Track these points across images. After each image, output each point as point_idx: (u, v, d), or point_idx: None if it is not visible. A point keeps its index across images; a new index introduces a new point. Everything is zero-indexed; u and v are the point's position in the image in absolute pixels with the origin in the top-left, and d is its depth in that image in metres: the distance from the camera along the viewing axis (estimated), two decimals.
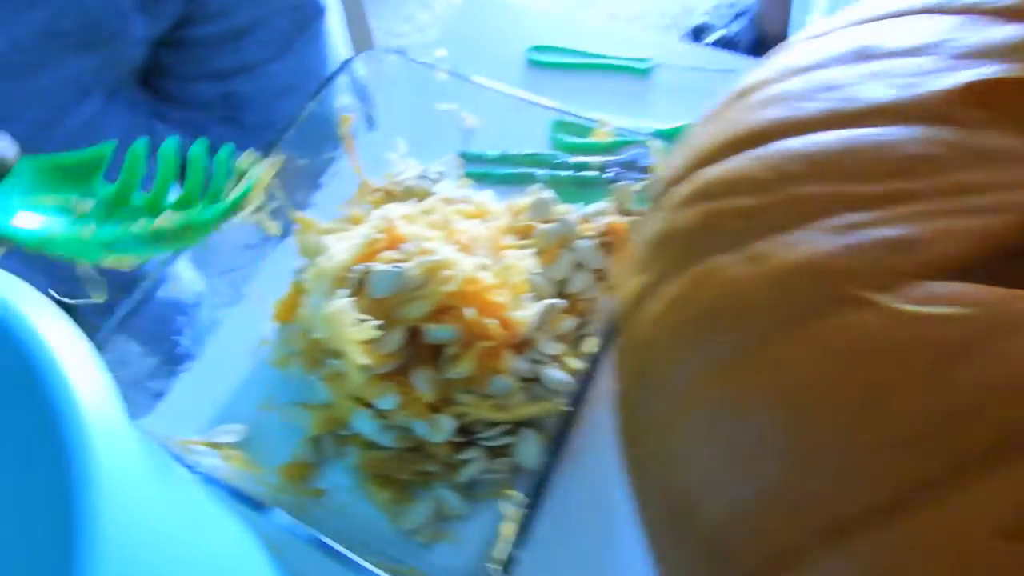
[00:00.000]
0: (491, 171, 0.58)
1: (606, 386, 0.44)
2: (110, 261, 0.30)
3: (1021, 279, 0.19)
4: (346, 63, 0.52)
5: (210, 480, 0.38)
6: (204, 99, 0.68)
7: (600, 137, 0.50)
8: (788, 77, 0.26)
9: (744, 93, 0.28)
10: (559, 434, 0.39)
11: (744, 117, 0.26)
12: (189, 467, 0.38)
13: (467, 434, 0.45)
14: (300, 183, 0.51)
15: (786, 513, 0.23)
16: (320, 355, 0.46)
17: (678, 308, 0.26)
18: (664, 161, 0.50)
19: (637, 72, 0.64)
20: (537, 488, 0.37)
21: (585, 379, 0.40)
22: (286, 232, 0.51)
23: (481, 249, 0.48)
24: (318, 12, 0.71)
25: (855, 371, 0.21)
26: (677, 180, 0.29)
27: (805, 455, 0.22)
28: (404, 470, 0.44)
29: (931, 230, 0.21)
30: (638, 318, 0.29)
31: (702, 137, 0.29)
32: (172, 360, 0.45)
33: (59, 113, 0.56)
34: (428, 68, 0.53)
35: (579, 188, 0.56)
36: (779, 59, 0.28)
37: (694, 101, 0.65)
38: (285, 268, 0.51)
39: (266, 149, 0.47)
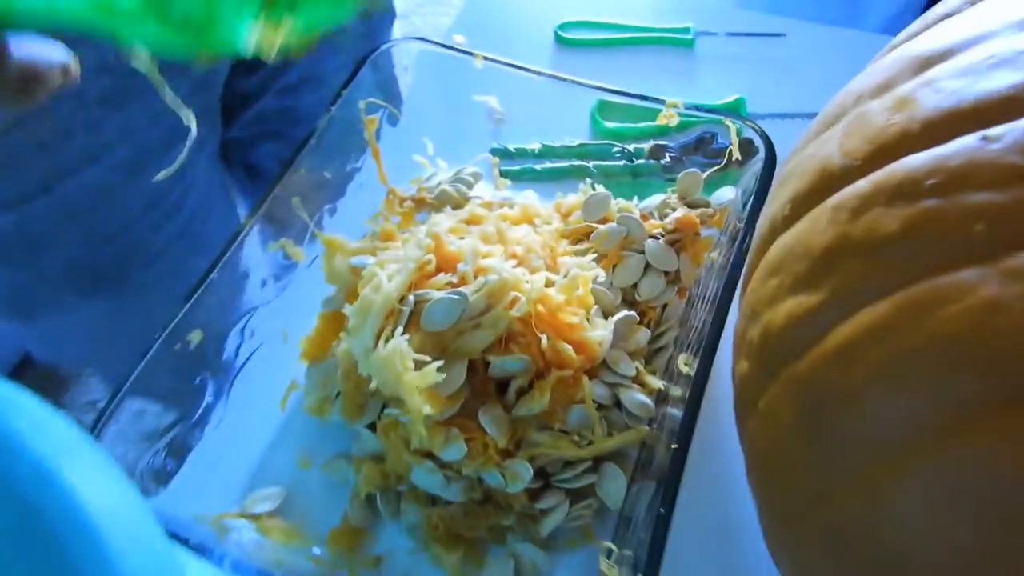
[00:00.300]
0: (530, 167, 0.51)
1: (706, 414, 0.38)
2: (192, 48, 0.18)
3: None
4: (367, 56, 0.45)
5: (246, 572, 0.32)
6: (261, 114, 0.63)
7: (666, 119, 0.44)
8: (1017, 32, 0.19)
9: (936, 57, 0.21)
10: (670, 479, 0.32)
11: (959, 87, 0.20)
12: (220, 559, 0.31)
13: (542, 476, 0.39)
14: (325, 199, 0.44)
15: None
16: (365, 400, 0.39)
17: (885, 340, 0.20)
18: (736, 144, 0.43)
19: (680, 43, 0.58)
20: (655, 548, 0.31)
21: (690, 409, 0.34)
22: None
23: (538, 260, 0.41)
24: (390, 17, 0.66)
25: None
26: (844, 176, 0.23)
27: None
28: (474, 526, 0.38)
29: None
30: (803, 349, 0.23)
31: (877, 117, 0.22)
32: (194, 417, 0.39)
33: (149, 154, 0.52)
34: (460, 55, 0.46)
35: (633, 179, 0.50)
36: (986, 12, 0.21)
37: (745, 71, 0.59)
38: (309, 298, 0.44)
39: (285, 166, 0.41)
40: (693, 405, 0.34)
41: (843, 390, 0.21)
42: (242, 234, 0.39)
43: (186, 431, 0.38)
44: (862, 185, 0.21)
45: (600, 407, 0.39)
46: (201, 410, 0.39)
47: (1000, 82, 0.19)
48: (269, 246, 0.41)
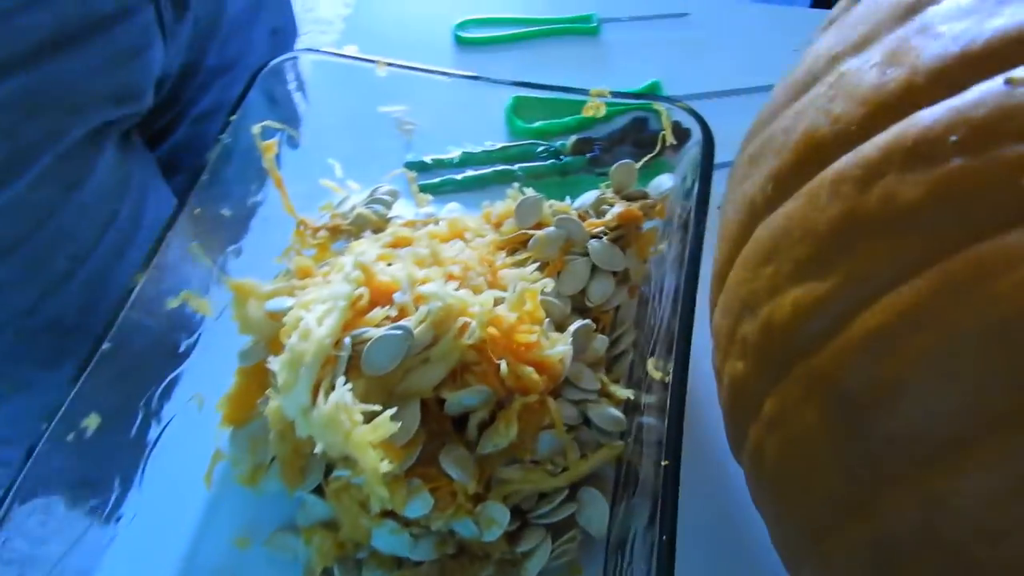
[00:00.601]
0: (450, 178, 0.47)
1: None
2: None
3: None
4: (255, 75, 0.40)
5: None
6: (173, 147, 0.57)
7: (593, 110, 0.41)
8: None
9: (923, 2, 0.19)
10: (666, 501, 0.29)
11: (964, 30, 0.17)
12: None
13: (517, 515, 0.35)
14: (227, 240, 0.39)
15: None
16: (305, 462, 0.34)
17: (927, 323, 0.17)
18: (671, 127, 0.41)
19: (585, 32, 0.55)
20: None
21: (674, 419, 0.31)
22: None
23: (478, 278, 0.37)
24: (294, 35, 0.63)
25: None
26: (837, 145, 0.20)
27: None
28: None
29: None
30: (821, 342, 0.20)
31: (867, 75, 0.20)
32: (102, 515, 0.33)
33: (76, 159, 0.44)
34: (360, 64, 0.42)
35: (562, 178, 0.47)
36: None
37: (655, 54, 0.57)
38: (224, 354, 0.38)
39: (177, 208, 0.35)
40: (676, 414, 0.30)
41: (880, 384, 0.19)
42: (134, 291, 0.33)
43: (94, 532, 0.33)
44: (866, 151, 0.19)
45: (569, 428, 0.36)
46: (110, 505, 0.33)
47: (1015, 18, 0.17)
48: (168, 302, 0.36)
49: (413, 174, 0.46)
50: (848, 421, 0.20)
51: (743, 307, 0.24)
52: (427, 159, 0.47)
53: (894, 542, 0.19)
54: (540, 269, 0.40)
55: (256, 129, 0.39)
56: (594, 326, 0.38)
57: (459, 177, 0.47)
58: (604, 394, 0.38)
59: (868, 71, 0.20)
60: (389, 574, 0.34)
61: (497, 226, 0.43)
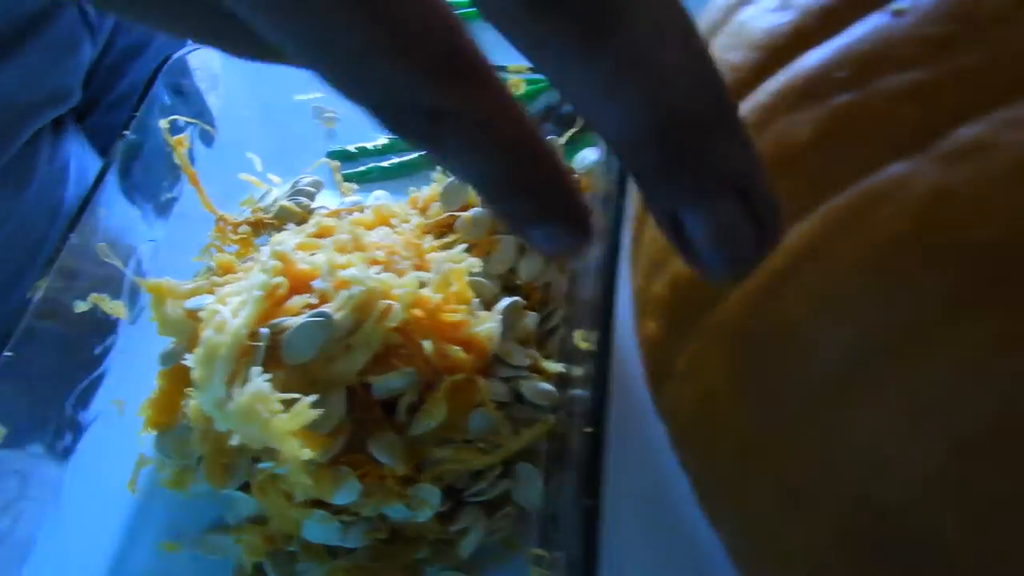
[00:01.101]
0: (376, 166, 0.46)
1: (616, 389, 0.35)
2: None
3: None
4: (160, 67, 0.38)
5: None
6: (91, 132, 0.57)
7: (513, 88, 0.40)
8: None
9: None
10: (589, 465, 0.29)
11: None
12: None
13: (452, 495, 0.35)
14: (138, 239, 0.37)
15: None
16: (230, 459, 0.33)
17: (817, 260, 0.17)
18: None
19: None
20: (588, 544, 0.27)
21: (598, 384, 0.31)
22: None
23: (404, 263, 0.37)
24: None
25: None
26: (735, 93, 0.20)
27: None
28: (386, 569, 0.34)
29: None
30: (723, 292, 0.20)
31: (759, 21, 0.20)
32: (14, 533, 0.31)
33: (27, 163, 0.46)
34: None
35: None
36: None
37: None
38: (143, 358, 0.37)
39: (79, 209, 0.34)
40: (601, 379, 0.30)
41: (777, 325, 0.19)
42: (35, 299, 0.32)
43: (5, 552, 0.31)
44: (759, 97, 0.19)
45: (501, 405, 0.36)
46: (23, 520, 0.31)
47: None
48: (76, 307, 0.34)
49: (336, 163, 0.45)
50: (749, 367, 0.20)
51: (652, 265, 0.24)
52: (351, 148, 0.46)
53: (797, 487, 0.20)
54: (468, 251, 0.39)
55: (164, 124, 0.38)
56: (524, 303, 0.38)
57: (385, 164, 0.46)
58: (536, 370, 0.37)
59: (761, 17, 0.20)
60: (322, 565, 0.33)
61: (424, 211, 0.42)
